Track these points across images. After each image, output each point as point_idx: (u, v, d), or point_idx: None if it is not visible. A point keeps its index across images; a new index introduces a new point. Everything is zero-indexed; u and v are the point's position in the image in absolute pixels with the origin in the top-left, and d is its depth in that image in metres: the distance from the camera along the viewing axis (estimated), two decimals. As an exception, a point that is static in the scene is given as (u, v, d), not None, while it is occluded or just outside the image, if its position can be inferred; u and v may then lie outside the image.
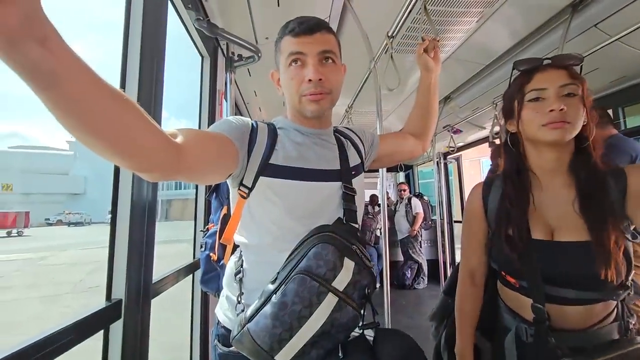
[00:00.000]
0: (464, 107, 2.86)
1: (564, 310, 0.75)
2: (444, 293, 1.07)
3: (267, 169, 0.73)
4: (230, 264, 0.83)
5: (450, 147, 3.53)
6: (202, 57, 1.70)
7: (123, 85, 0.89)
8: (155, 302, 0.99)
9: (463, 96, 2.74)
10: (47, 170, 39.01)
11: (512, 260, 0.80)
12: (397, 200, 5.23)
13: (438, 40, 1.06)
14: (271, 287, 0.64)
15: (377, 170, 1.80)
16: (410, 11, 1.45)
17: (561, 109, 0.74)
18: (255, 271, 0.75)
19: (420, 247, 4.87)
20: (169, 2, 1.08)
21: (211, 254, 1.17)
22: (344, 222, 0.76)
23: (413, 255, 4.77)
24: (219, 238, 1.10)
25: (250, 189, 0.73)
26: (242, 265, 0.77)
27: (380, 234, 5.01)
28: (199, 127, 1.69)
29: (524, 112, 0.81)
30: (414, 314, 3.80)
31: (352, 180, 0.82)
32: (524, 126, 0.82)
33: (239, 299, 0.73)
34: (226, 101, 1.80)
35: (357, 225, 0.78)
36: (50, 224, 31.34)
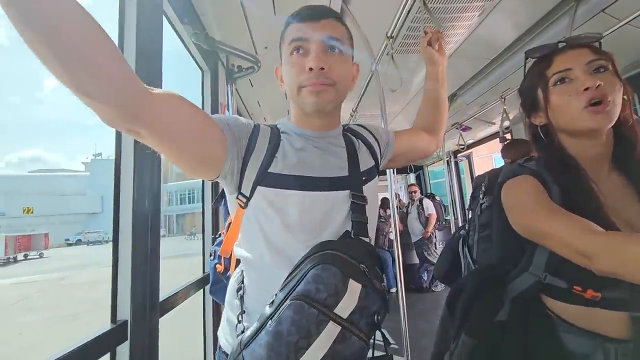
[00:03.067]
0: (471, 103, 2.80)
1: None
2: (446, 305, 0.90)
3: (266, 178, 0.66)
4: (232, 279, 0.78)
5: (460, 145, 3.47)
6: (203, 71, 1.71)
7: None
8: (167, 316, 0.98)
9: (470, 92, 2.68)
10: (65, 191, 40.12)
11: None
12: (409, 202, 5.16)
13: (441, 32, 1.03)
14: (268, 311, 0.57)
15: (384, 173, 1.77)
16: (409, 10, 1.43)
17: (598, 86, 0.65)
18: (256, 289, 0.69)
19: (436, 248, 4.77)
20: (165, 18, 1.08)
21: (217, 265, 1.15)
22: (352, 236, 0.68)
23: (429, 257, 4.67)
24: None
25: (249, 199, 0.67)
26: (242, 281, 0.72)
27: (394, 237, 4.94)
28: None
29: (553, 98, 0.72)
30: (433, 318, 3.70)
31: (363, 186, 0.74)
32: (557, 114, 0.73)
33: (239, 318, 0.67)
34: (229, 113, 1.80)
35: (367, 239, 0.70)
36: (70, 244, 32.12)
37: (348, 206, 0.70)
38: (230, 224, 0.94)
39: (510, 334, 0.75)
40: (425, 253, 4.68)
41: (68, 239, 32.69)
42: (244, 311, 0.68)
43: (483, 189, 1.34)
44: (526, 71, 0.82)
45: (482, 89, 2.53)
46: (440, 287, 4.64)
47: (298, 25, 0.69)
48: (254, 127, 0.71)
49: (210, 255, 1.21)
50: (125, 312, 0.81)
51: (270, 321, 0.55)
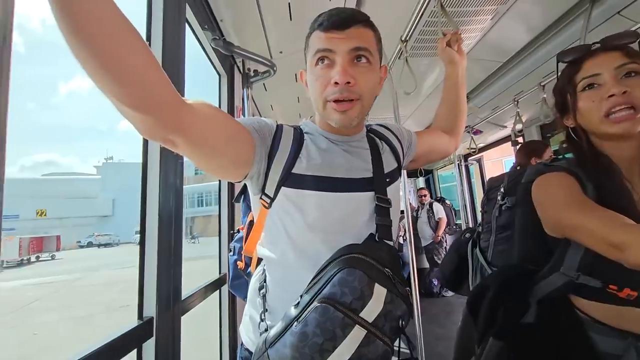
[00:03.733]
0: (482, 106, 2.79)
1: None
2: (467, 307, 0.90)
3: (289, 179, 0.66)
4: (254, 278, 0.79)
5: (471, 148, 3.45)
6: (220, 75, 1.75)
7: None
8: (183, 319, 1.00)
9: (481, 96, 2.67)
10: (78, 195, 40.85)
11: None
12: (418, 206, 5.13)
13: (460, 33, 1.03)
14: (293, 312, 0.57)
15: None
16: (423, 14, 1.44)
17: (624, 92, 0.66)
18: (279, 288, 0.70)
19: (446, 252, 4.73)
20: (187, 24, 1.12)
21: (238, 262, 1.16)
22: (377, 239, 0.67)
23: (439, 262, 4.63)
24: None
25: (273, 199, 0.67)
26: (265, 280, 0.72)
27: (404, 241, 4.91)
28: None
29: (580, 103, 0.73)
30: (446, 323, 3.67)
31: (387, 188, 0.73)
32: (584, 120, 0.74)
33: (262, 317, 0.68)
34: (244, 117, 1.83)
35: (392, 242, 0.69)
36: (82, 246, 32.64)
37: (371, 208, 0.70)
38: (251, 221, 0.94)
39: (541, 337, 0.74)
40: (436, 257, 4.65)
41: (80, 242, 33.24)
42: (267, 309, 0.69)
43: (502, 190, 1.33)
44: (559, 73, 0.82)
45: (494, 92, 2.52)
46: (450, 292, 4.60)
47: (323, 35, 0.66)
48: (276, 127, 0.71)
49: (230, 251, 1.22)
50: (151, 309, 0.83)
51: (296, 322, 0.56)
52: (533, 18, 1.74)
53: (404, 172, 1.73)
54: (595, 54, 0.73)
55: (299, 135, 0.72)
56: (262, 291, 0.71)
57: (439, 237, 4.65)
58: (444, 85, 1.04)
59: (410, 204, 5.86)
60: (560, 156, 0.91)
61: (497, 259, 1.33)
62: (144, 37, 0.93)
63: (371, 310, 0.55)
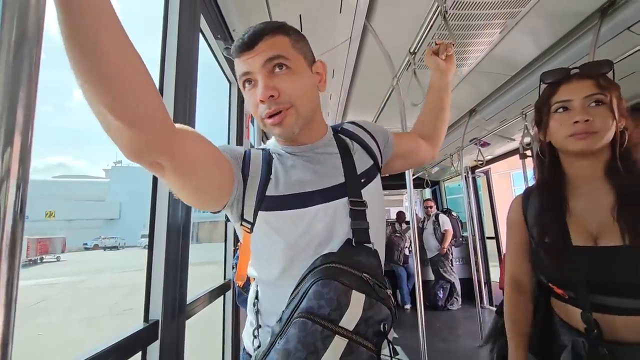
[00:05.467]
0: (490, 119, 2.79)
1: (616, 320, 0.71)
2: (496, 313, 1.03)
3: (265, 202, 0.66)
4: (250, 293, 0.78)
5: (479, 160, 3.43)
6: (230, 83, 1.78)
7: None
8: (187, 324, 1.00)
9: (489, 108, 2.68)
10: (86, 197, 41.35)
11: (556, 270, 0.79)
12: (424, 218, 5.10)
13: (453, 45, 1.04)
14: (276, 328, 0.58)
15: (404, 187, 1.78)
16: (431, 26, 1.46)
17: (586, 120, 0.75)
18: (269, 305, 0.69)
19: (452, 265, 4.67)
20: (200, 34, 1.15)
21: (237, 282, 1.16)
22: (354, 244, 0.66)
23: (444, 274, 4.58)
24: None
25: (253, 224, 0.67)
26: (257, 297, 0.72)
27: (409, 252, 4.87)
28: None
29: (551, 123, 0.83)
30: (449, 337, 3.60)
31: (363, 190, 0.71)
32: (552, 137, 0.84)
33: (255, 333, 0.69)
34: (253, 125, 1.86)
35: (370, 245, 0.67)
36: (88, 249, 32.89)
37: (348, 213, 0.68)
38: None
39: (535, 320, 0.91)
40: (441, 270, 4.59)
41: (86, 244, 33.52)
42: (260, 326, 0.69)
43: None
44: (540, 91, 0.90)
45: (502, 105, 2.52)
46: (456, 305, 4.53)
47: (238, 60, 0.67)
48: (244, 153, 0.70)
49: (233, 268, 1.23)
50: (156, 313, 0.84)
51: (279, 339, 0.56)
52: (542, 32, 1.75)
53: (410, 182, 1.74)
54: (571, 80, 0.81)
55: (267, 157, 0.71)
56: (255, 307, 0.71)
57: (445, 249, 4.60)
58: (428, 92, 1.04)
59: (416, 214, 5.84)
60: None
61: None
62: (160, 45, 0.96)
63: (350, 319, 0.55)
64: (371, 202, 0.71)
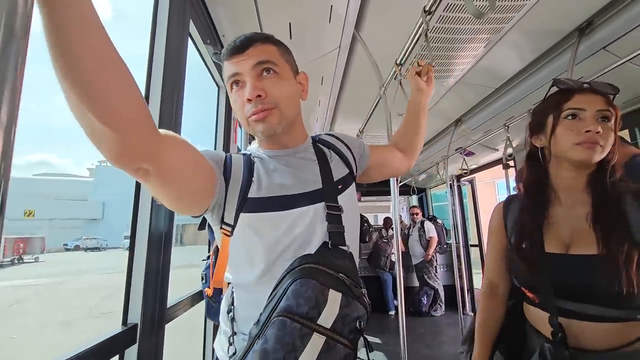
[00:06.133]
0: (475, 129, 2.86)
1: (584, 327, 0.74)
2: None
3: (246, 204, 0.68)
4: (224, 301, 0.79)
5: (464, 169, 3.51)
6: (219, 87, 1.78)
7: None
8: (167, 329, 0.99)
9: (474, 119, 2.75)
10: (68, 196, 40.24)
11: (527, 274, 0.82)
12: (410, 224, 5.15)
13: (433, 66, 1.10)
14: (254, 330, 0.58)
15: (389, 193, 1.80)
16: (417, 40, 1.50)
17: (598, 132, 0.76)
18: (246, 311, 0.70)
19: (436, 272, 4.73)
20: (189, 38, 1.16)
21: (206, 289, 1.13)
22: (330, 246, 0.68)
23: (429, 280, 4.63)
24: (212, 274, 1.04)
25: (233, 227, 0.68)
26: (232, 303, 0.72)
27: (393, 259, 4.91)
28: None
29: (559, 128, 0.83)
30: (432, 343, 3.64)
31: (339, 196, 0.75)
32: (556, 142, 0.83)
33: (231, 340, 0.69)
34: (240, 129, 1.86)
35: (346, 248, 0.70)
36: (68, 249, 31.95)
37: (324, 217, 0.71)
38: (217, 247, 0.93)
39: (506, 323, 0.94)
40: (426, 276, 4.65)
41: (66, 244, 32.56)
42: (235, 333, 0.69)
43: None
44: (547, 96, 0.91)
45: (486, 116, 2.59)
46: (439, 311, 4.58)
47: (229, 62, 0.71)
48: (225, 157, 0.73)
49: (202, 279, 1.19)
50: (136, 316, 0.83)
51: (257, 340, 0.56)
52: (524, 48, 1.81)
53: (395, 189, 1.76)
54: (584, 92, 0.83)
55: (248, 161, 0.74)
56: (230, 314, 0.72)
57: (430, 256, 4.66)
58: (407, 108, 1.10)
59: (402, 221, 5.89)
60: None
61: None
62: (148, 49, 0.96)
63: (328, 316, 0.56)
64: (346, 208, 0.74)
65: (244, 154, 0.76)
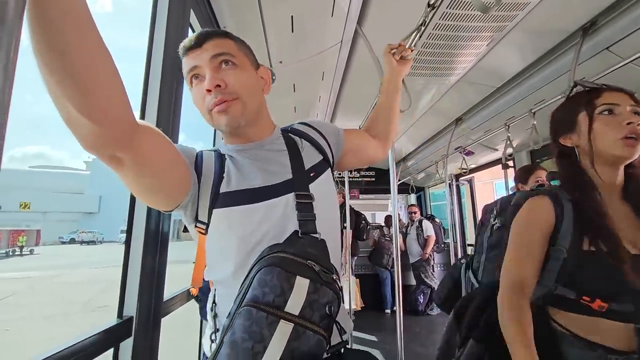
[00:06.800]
0: (475, 128, 2.85)
1: None
2: (455, 315, 1.00)
3: (219, 200, 0.68)
4: (209, 298, 0.78)
5: (463, 168, 3.51)
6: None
7: (143, 106, 0.92)
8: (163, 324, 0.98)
9: (474, 118, 2.74)
10: (64, 189, 40.06)
11: (605, 280, 0.71)
12: (408, 223, 5.16)
13: (407, 49, 1.07)
14: (226, 323, 0.58)
15: (387, 192, 1.79)
16: (420, 36, 1.49)
17: (638, 124, 0.76)
18: (224, 305, 0.69)
19: (433, 270, 4.74)
20: (190, 30, 1.14)
21: (191, 289, 1.13)
22: (300, 234, 0.68)
23: (426, 279, 4.64)
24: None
25: (207, 224, 0.68)
26: (214, 300, 0.72)
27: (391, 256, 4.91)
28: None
29: (597, 124, 0.81)
30: (427, 342, 3.65)
31: (311, 184, 0.74)
32: (598, 138, 0.81)
33: (212, 337, 0.68)
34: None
35: (317, 235, 0.69)
36: (64, 242, 31.85)
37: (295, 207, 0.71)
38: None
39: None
40: (423, 275, 4.65)
41: (62, 237, 32.46)
42: (217, 329, 0.68)
43: (494, 212, 1.40)
44: (570, 96, 0.91)
45: (487, 115, 2.58)
46: (435, 310, 4.60)
47: (187, 58, 0.71)
48: (197, 154, 0.72)
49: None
50: (131, 309, 0.82)
51: (227, 334, 0.55)
52: (527, 47, 1.81)
53: (394, 188, 1.75)
54: (611, 89, 0.83)
55: (219, 156, 0.73)
56: (212, 312, 0.71)
57: (427, 255, 4.67)
58: (380, 90, 1.07)
59: (400, 220, 5.90)
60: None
61: (485, 276, 1.38)
62: (147, 39, 0.94)
63: (295, 303, 0.56)
64: (319, 195, 0.74)
65: (214, 150, 0.76)
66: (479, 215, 4.80)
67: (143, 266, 0.85)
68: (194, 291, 1.09)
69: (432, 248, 4.73)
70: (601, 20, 1.52)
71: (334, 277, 0.62)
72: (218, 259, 0.71)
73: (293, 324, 0.54)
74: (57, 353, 0.61)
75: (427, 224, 4.82)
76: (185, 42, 0.71)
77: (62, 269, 13.90)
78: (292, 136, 0.82)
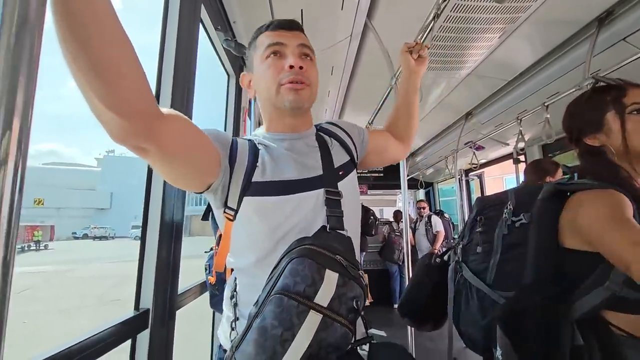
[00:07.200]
0: (486, 123, 2.82)
1: None
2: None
3: (250, 188, 0.69)
4: (227, 286, 0.80)
5: (473, 164, 3.47)
6: (228, 75, 1.77)
7: (157, 100, 0.93)
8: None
9: (485, 112, 2.70)
10: (76, 186, 40.81)
11: None
12: (417, 218, 5.13)
13: (425, 46, 1.05)
14: (253, 310, 0.59)
15: (399, 187, 1.79)
16: (431, 28, 1.47)
17: None
18: (247, 295, 0.70)
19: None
20: (200, 24, 1.14)
21: (209, 278, 1.15)
22: (328, 230, 0.69)
23: (435, 274, 4.61)
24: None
25: (236, 211, 0.69)
26: (235, 289, 0.73)
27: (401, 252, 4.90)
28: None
29: (630, 124, 0.80)
30: (436, 337, 3.64)
31: (339, 182, 0.76)
32: (632, 138, 0.80)
33: (233, 325, 0.70)
34: (249, 118, 1.85)
35: (344, 232, 0.71)
36: (77, 238, 32.51)
37: (324, 202, 0.72)
38: (220, 236, 0.92)
39: (588, 357, 0.75)
40: (431, 270, 4.63)
41: (75, 233, 33.12)
42: (237, 318, 0.70)
43: (510, 207, 1.20)
44: (590, 96, 0.88)
45: (498, 109, 2.55)
46: (444, 305, 4.57)
47: (273, 33, 0.74)
48: (232, 141, 0.73)
49: (206, 270, 1.22)
50: (147, 301, 0.84)
51: (255, 320, 0.57)
52: (540, 39, 1.77)
53: (404, 183, 1.75)
54: (636, 86, 0.81)
55: (253, 146, 0.75)
56: (232, 300, 0.72)
57: (436, 250, 4.64)
58: (398, 89, 1.07)
59: (409, 215, 5.86)
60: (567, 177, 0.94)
61: (503, 281, 1.17)
62: (160, 35, 0.95)
63: (324, 295, 0.57)
64: (346, 194, 0.75)
65: (248, 140, 0.77)
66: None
67: (158, 260, 0.86)
68: (212, 280, 1.11)
69: (442, 244, 4.70)
70: (618, 10, 1.48)
71: (361, 273, 0.63)
72: (244, 247, 0.72)
73: (322, 315, 0.55)
74: (80, 342, 0.63)
75: (436, 220, 4.79)
76: (276, 21, 0.76)
77: (75, 263, 14.21)
78: (322, 134, 0.84)
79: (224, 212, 0.70)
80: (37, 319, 6.25)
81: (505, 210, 1.13)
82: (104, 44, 0.42)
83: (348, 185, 0.78)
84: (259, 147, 0.75)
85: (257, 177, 0.69)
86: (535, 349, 0.78)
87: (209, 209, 0.96)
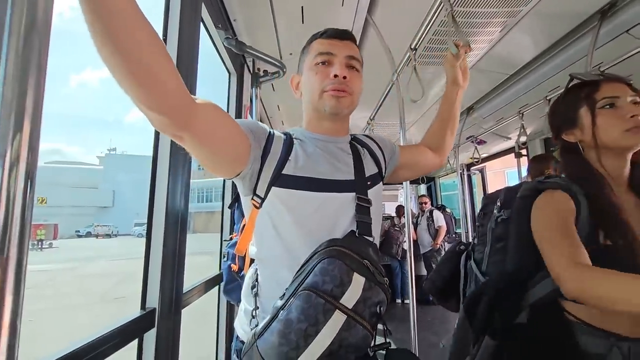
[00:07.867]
0: (487, 117, 2.81)
1: None
2: (466, 312, 0.97)
3: (280, 179, 0.71)
4: (247, 277, 0.82)
5: (474, 158, 3.46)
6: (230, 73, 1.77)
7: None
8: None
9: (486, 107, 2.69)
10: (79, 184, 40.94)
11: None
12: (419, 213, 5.14)
13: (470, 48, 1.04)
14: (279, 303, 0.61)
15: (400, 183, 1.79)
16: (432, 23, 1.46)
17: None
18: (268, 285, 0.73)
19: (439, 263, 4.71)
20: (201, 23, 1.14)
21: (232, 265, 1.18)
22: (357, 235, 0.72)
23: (437, 269, 4.63)
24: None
25: (263, 199, 0.72)
26: (257, 280, 0.76)
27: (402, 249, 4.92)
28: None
29: (600, 119, 0.81)
30: (440, 331, 3.67)
31: (368, 191, 0.79)
32: (602, 132, 0.81)
33: (254, 314, 0.72)
34: (251, 116, 1.85)
35: (371, 239, 0.74)
36: (80, 236, 32.69)
37: (353, 207, 0.75)
38: (244, 225, 0.96)
39: (532, 336, 0.81)
40: (434, 265, 4.65)
41: (78, 231, 33.30)
42: (258, 307, 0.73)
43: (499, 203, 1.36)
44: (567, 91, 0.90)
45: (499, 103, 2.54)
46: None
47: (325, 41, 0.79)
48: (269, 132, 0.76)
49: (224, 257, 1.25)
50: (154, 301, 0.85)
51: (281, 312, 0.59)
52: (541, 33, 1.75)
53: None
54: (610, 80, 0.82)
55: (288, 141, 0.77)
56: (254, 290, 0.75)
57: (438, 245, 4.65)
58: (442, 102, 1.07)
59: (411, 210, 5.87)
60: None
61: (491, 268, 1.35)
62: (161, 34, 0.95)
63: (350, 297, 0.59)
64: (374, 203, 0.78)
65: (284, 133, 0.80)
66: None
67: (164, 259, 0.87)
68: (236, 267, 1.15)
69: (444, 238, 4.71)
70: (621, 3, 1.46)
71: (386, 280, 0.66)
72: (267, 237, 0.74)
73: (347, 316, 0.58)
74: (88, 343, 0.63)
75: (437, 214, 4.79)
76: (330, 30, 0.80)
77: (79, 261, 14.30)
78: (355, 143, 0.87)
79: (252, 198, 0.73)
80: (43, 317, 6.31)
81: (495, 207, 1.27)
82: (133, 48, 0.46)
83: (375, 196, 0.80)
84: (294, 142, 0.78)
85: (288, 170, 0.72)
86: (477, 326, 0.90)
87: (236, 199, 1.02)
